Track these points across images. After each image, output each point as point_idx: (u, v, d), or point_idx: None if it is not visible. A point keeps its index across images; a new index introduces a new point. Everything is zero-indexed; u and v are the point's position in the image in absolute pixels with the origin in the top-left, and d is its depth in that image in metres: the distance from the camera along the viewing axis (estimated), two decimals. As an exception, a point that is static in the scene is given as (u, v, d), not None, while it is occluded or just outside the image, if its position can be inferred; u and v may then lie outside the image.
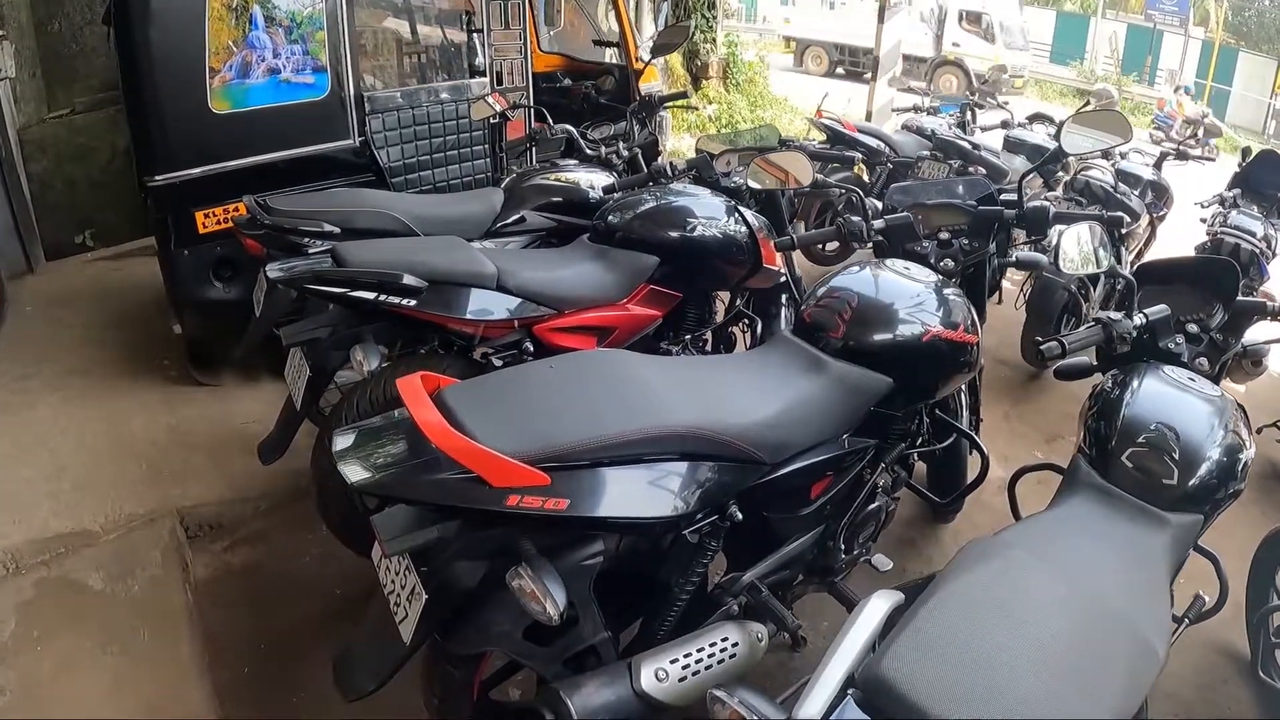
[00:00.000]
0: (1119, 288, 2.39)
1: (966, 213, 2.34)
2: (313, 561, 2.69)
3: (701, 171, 2.87)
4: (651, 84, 4.17)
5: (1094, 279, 4.00)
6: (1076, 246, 2.14)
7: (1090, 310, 4.13)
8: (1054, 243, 2.18)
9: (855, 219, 2.32)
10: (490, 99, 3.49)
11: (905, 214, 2.27)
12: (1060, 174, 4.30)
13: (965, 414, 2.68)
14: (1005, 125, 5.02)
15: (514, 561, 1.41)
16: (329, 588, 2.60)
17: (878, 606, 1.33)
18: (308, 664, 2.32)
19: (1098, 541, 1.60)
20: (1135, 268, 2.25)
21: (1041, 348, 1.92)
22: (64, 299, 4.21)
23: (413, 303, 2.09)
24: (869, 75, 8.57)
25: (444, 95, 3.76)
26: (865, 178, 4.86)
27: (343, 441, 1.40)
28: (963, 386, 2.60)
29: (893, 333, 1.95)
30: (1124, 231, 4.02)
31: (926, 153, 4.61)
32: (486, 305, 2.21)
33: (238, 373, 3.49)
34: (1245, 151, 4.45)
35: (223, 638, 2.42)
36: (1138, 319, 2.00)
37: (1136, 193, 4.32)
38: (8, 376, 3.45)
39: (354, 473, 1.33)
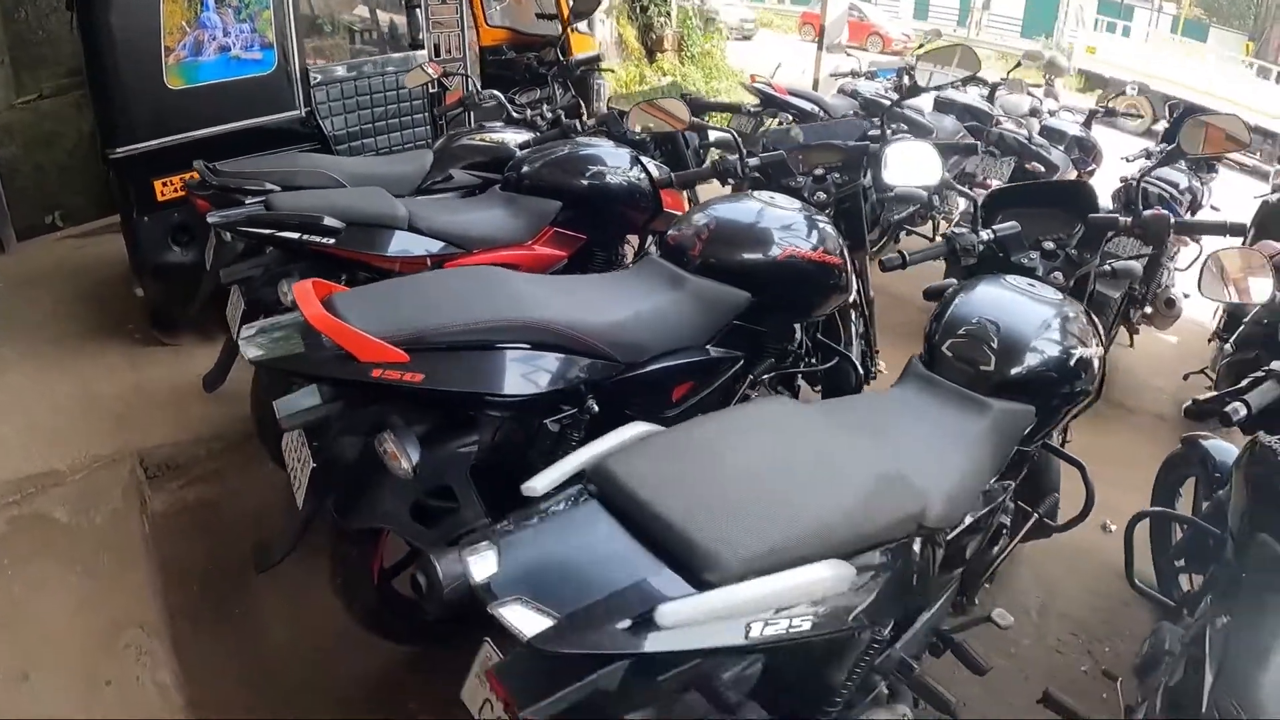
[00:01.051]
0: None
1: (841, 150, 2.68)
2: (260, 494, 3.02)
3: (610, 127, 3.25)
4: (588, 53, 4.56)
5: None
6: (903, 160, 2.41)
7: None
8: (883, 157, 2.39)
9: (731, 157, 2.56)
10: (426, 67, 3.88)
11: (780, 151, 2.51)
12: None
13: (855, 341, 2.96)
14: (938, 87, 5.34)
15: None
16: (274, 517, 2.87)
17: (633, 429, 1.49)
18: (253, 584, 2.64)
19: (901, 417, 1.77)
20: (984, 196, 2.55)
21: (882, 259, 2.12)
22: (35, 276, 4.56)
23: (332, 241, 2.45)
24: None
25: (385, 67, 4.16)
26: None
27: (248, 332, 1.77)
28: (851, 313, 2.91)
29: (748, 251, 2.27)
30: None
31: (852, 113, 4.90)
32: (402, 245, 2.56)
33: (196, 332, 3.86)
34: (1174, 108, 4.78)
35: (177, 562, 2.77)
36: (985, 234, 2.21)
37: (1061, 148, 4.66)
38: (-15, 348, 3.83)
39: (251, 351, 1.70)
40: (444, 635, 2.25)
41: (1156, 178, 4.12)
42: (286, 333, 1.77)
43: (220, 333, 3.68)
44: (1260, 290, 1.94)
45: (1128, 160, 4.43)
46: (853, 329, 2.91)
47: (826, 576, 1.17)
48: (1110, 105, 4.87)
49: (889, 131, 2.92)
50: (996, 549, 2.14)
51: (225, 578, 2.74)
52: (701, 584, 1.10)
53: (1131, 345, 4.45)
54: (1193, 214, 4.26)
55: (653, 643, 1.05)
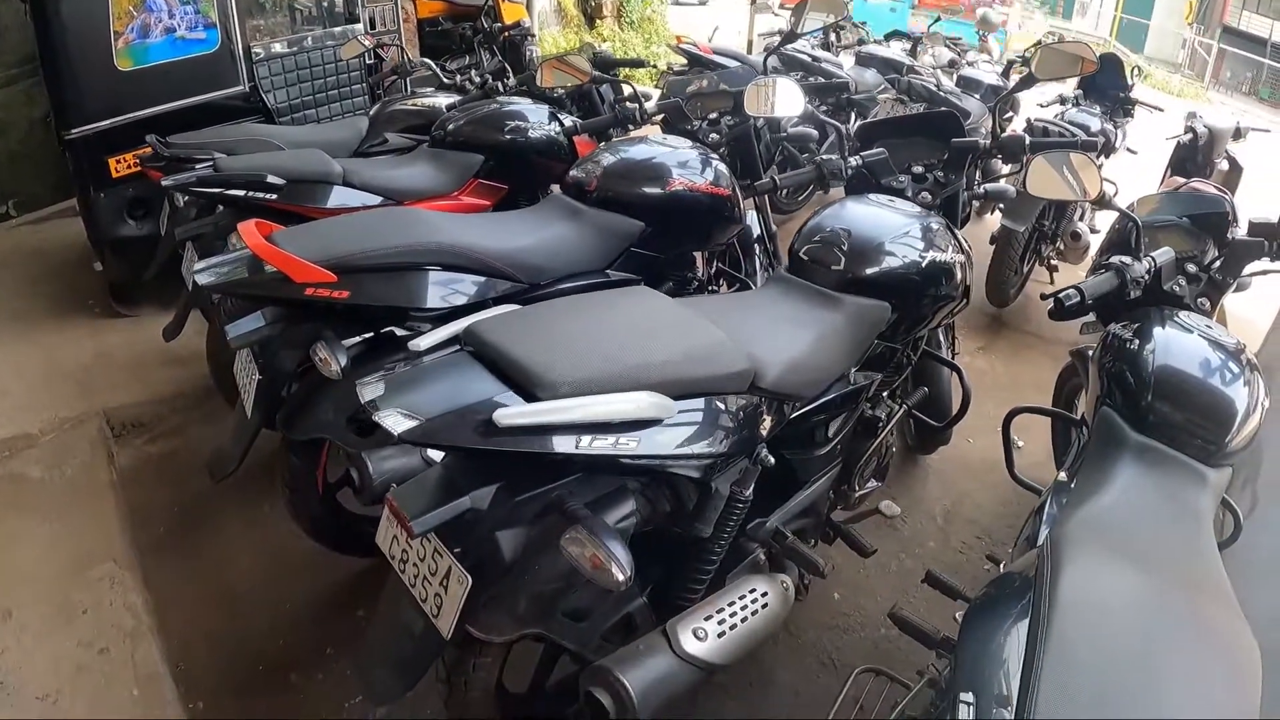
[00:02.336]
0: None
1: (730, 95, 3.06)
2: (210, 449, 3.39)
3: (530, 87, 3.63)
4: (515, 20, 4.94)
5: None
6: (764, 94, 2.75)
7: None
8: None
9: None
10: (360, 38, 4.27)
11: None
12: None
13: (759, 272, 3.33)
14: (861, 43, 5.74)
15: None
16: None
17: (508, 307, 1.88)
18: (214, 524, 3.06)
19: (756, 309, 2.14)
20: (857, 127, 2.92)
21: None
22: (-9, 264, 4.92)
23: (275, 197, 2.81)
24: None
25: (324, 42, 4.54)
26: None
27: (200, 266, 2.14)
28: (755, 247, 3.28)
29: (641, 185, 2.65)
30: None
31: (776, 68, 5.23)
32: (339, 199, 2.92)
33: (153, 303, 4.23)
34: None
35: (143, 508, 3.12)
36: (854, 160, 2.59)
37: (977, 96, 5.03)
38: (-53, 331, 4.16)
39: (204, 279, 2.08)
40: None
41: (1069, 121, 4.50)
42: (233, 264, 2.15)
43: (174, 302, 4.06)
44: (1090, 187, 2.26)
45: (1041, 106, 4.81)
46: (756, 261, 3.28)
47: (644, 404, 1.52)
48: (1027, 56, 5.22)
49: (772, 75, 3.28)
50: (875, 440, 2.47)
51: (190, 517, 3.10)
52: (535, 400, 1.45)
53: (1051, 283, 4.83)
54: (1106, 156, 4.65)
55: (494, 441, 1.39)
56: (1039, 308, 4.80)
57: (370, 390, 1.43)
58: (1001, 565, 2.41)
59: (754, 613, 1.77)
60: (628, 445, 1.52)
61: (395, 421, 1.37)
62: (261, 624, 2.66)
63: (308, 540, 2.67)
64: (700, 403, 1.68)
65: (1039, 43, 5.89)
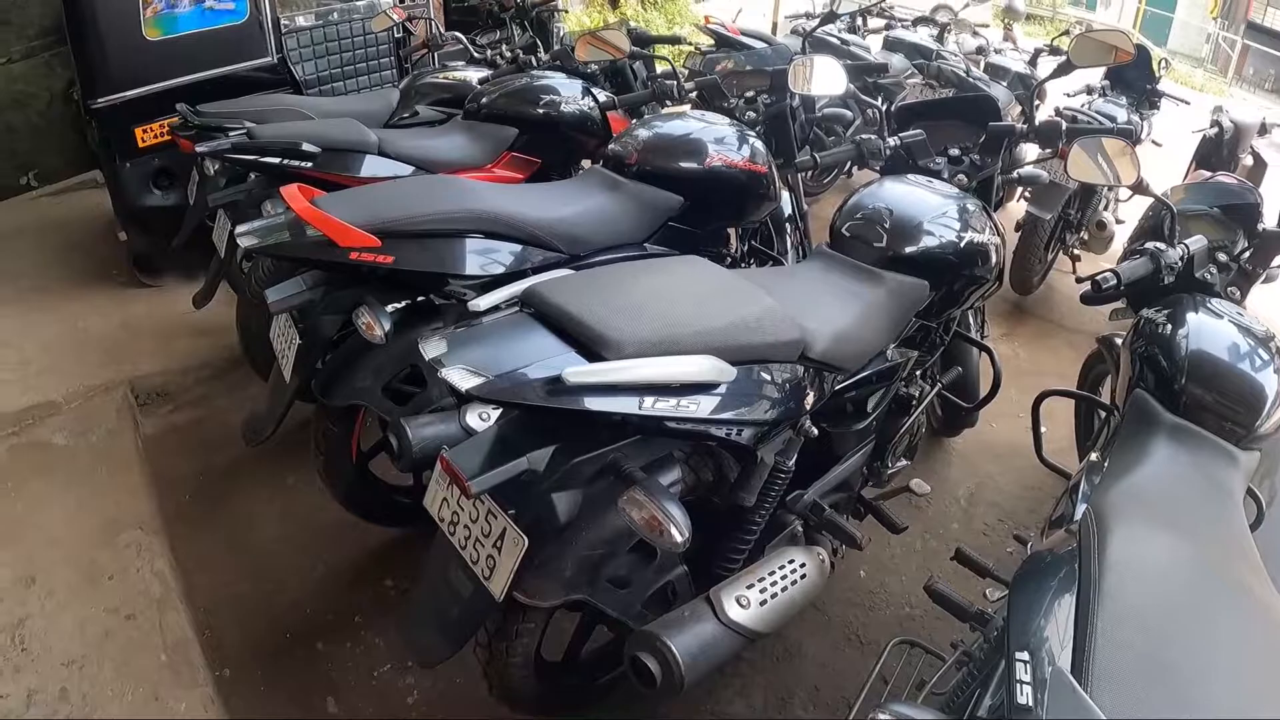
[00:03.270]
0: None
1: (767, 74, 3.07)
2: (245, 414, 3.32)
3: (563, 61, 3.63)
4: (547, -6, 4.96)
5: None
6: (808, 72, 2.76)
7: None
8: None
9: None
10: (390, 12, 4.26)
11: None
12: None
13: (791, 251, 3.35)
14: (889, 27, 5.73)
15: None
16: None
17: (564, 271, 1.94)
18: (240, 492, 3.07)
19: (802, 281, 2.16)
20: (895, 110, 2.93)
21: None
22: (13, 233, 4.86)
23: (310, 165, 2.81)
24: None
25: (352, 14, 4.53)
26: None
27: (245, 228, 2.14)
28: (786, 226, 3.28)
29: (680, 159, 2.65)
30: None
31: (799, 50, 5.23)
32: (373, 168, 2.91)
33: (178, 273, 4.24)
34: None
35: (167, 475, 3.13)
36: (892, 140, 2.62)
37: (1004, 83, 5.01)
38: (-32, 301, 4.17)
39: (247, 241, 2.08)
40: (414, 517, 2.66)
41: (1096, 111, 4.49)
42: (275, 227, 2.15)
43: (199, 272, 4.07)
44: (1127, 173, 2.28)
45: (1068, 95, 4.80)
46: (787, 239, 3.29)
47: (707, 367, 1.53)
48: (1055, 44, 5.21)
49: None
50: (909, 418, 2.48)
51: (216, 485, 3.12)
52: (601, 360, 1.46)
53: (1074, 271, 4.80)
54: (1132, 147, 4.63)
55: (561, 400, 1.40)
56: (1062, 296, 4.85)
57: (433, 347, 1.44)
58: (1029, 546, 2.43)
59: (793, 583, 1.80)
60: (688, 408, 1.53)
61: (461, 377, 1.38)
62: (289, 592, 2.68)
63: (335, 509, 2.68)
64: (754, 369, 1.69)
65: (1066, 31, 5.90)
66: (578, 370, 1.39)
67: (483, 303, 1.73)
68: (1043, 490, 3.28)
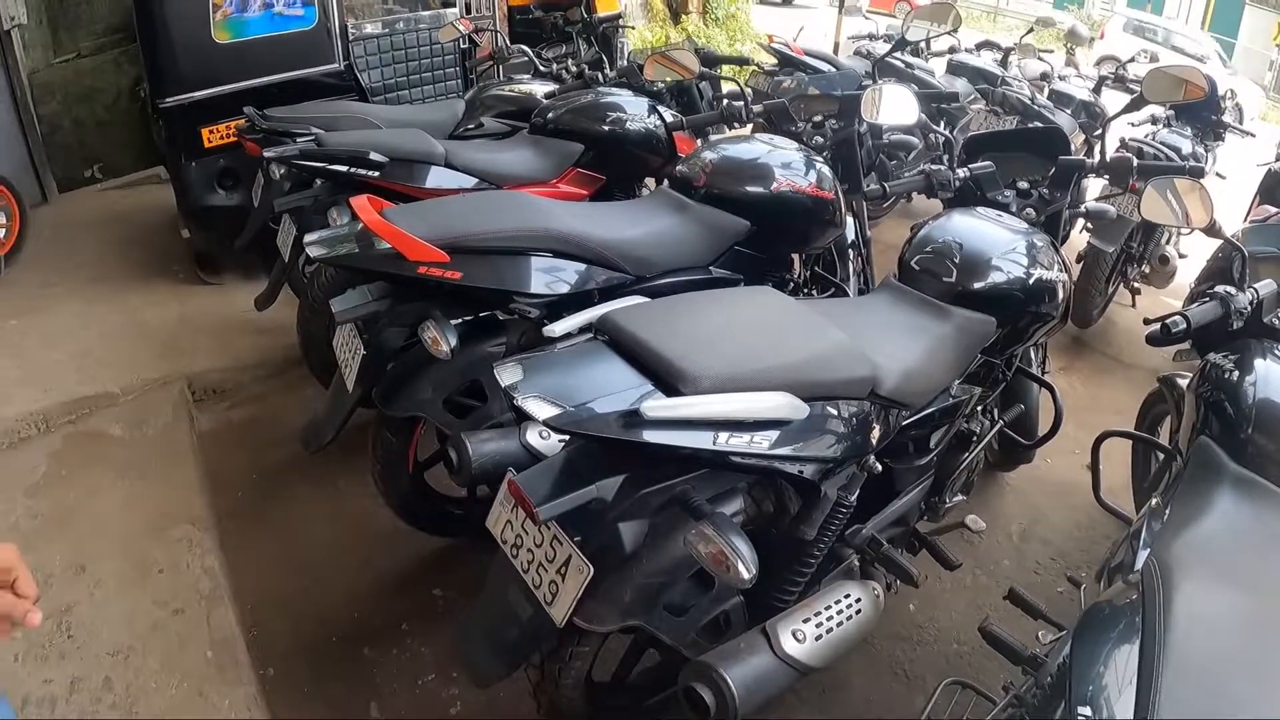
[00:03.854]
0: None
1: (836, 99, 3.05)
2: (300, 415, 3.38)
3: (629, 78, 3.62)
4: (611, 12, 4.96)
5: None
6: (881, 101, 2.75)
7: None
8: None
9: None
10: (457, 23, 4.30)
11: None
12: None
13: (853, 277, 3.31)
14: (952, 51, 5.70)
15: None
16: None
17: (634, 299, 1.89)
18: (293, 493, 3.09)
19: (870, 314, 2.15)
20: (964, 140, 2.90)
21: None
22: (78, 224, 4.99)
23: (377, 174, 2.84)
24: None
25: (419, 24, 4.58)
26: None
27: (313, 237, 2.17)
28: (849, 252, 3.25)
29: (748, 183, 2.63)
30: None
31: (864, 72, 5.20)
32: (439, 180, 2.94)
33: (237, 272, 4.31)
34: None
35: (222, 473, 3.16)
36: (961, 172, 2.59)
37: (1068, 111, 4.97)
38: (34, 285, 4.23)
39: (315, 251, 2.11)
40: (466, 528, 2.69)
41: (1160, 142, 4.40)
42: (343, 237, 2.17)
43: (259, 273, 4.13)
44: (1199, 215, 2.24)
45: (1133, 125, 4.73)
46: (849, 266, 3.26)
47: (782, 404, 1.52)
48: (1120, 72, 5.15)
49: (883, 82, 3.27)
50: (968, 454, 2.45)
51: (269, 485, 3.14)
52: (678, 395, 1.45)
53: (1133, 305, 4.76)
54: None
55: (638, 434, 1.39)
56: (1121, 330, 4.78)
57: (509, 374, 1.44)
58: (1082, 589, 2.40)
59: (849, 618, 1.75)
60: (760, 444, 1.52)
61: (538, 408, 1.37)
62: (336, 596, 2.68)
63: (386, 515, 2.69)
64: (825, 406, 1.67)
65: (1133, 58, 5.82)
66: (656, 405, 1.38)
67: (557, 329, 1.73)
68: (1096, 530, 3.23)
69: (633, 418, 1.38)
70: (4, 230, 4.45)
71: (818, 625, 1.68)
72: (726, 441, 1.47)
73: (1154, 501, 2.14)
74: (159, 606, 2.53)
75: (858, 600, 1.80)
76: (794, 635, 1.62)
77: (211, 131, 3.99)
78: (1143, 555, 1.90)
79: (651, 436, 1.40)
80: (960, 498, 2.61)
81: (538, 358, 1.53)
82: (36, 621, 1.13)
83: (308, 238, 2.17)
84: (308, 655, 2.50)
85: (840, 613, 1.75)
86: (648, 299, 1.87)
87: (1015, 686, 1.99)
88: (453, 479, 1.81)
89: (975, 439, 2.47)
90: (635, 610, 1.62)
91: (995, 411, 2.66)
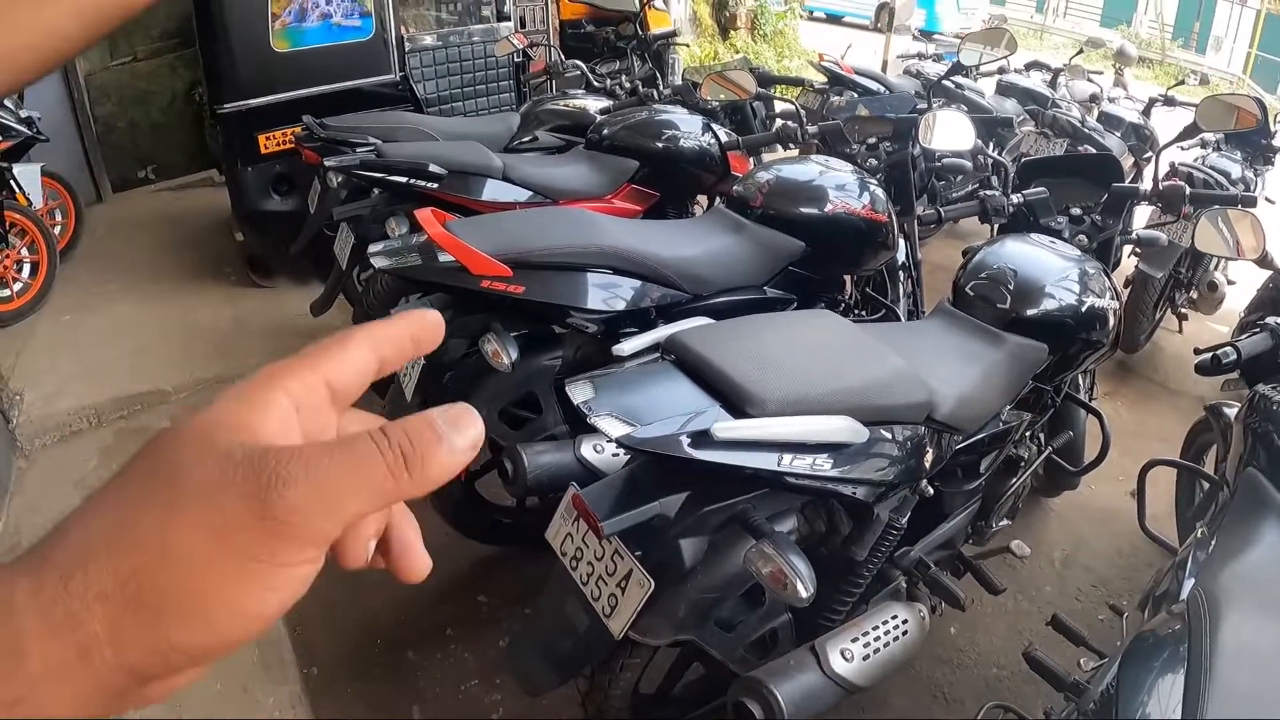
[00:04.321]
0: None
1: (891, 121, 3.07)
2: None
3: (684, 96, 3.67)
4: (662, 28, 5.01)
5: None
6: (938, 126, 2.77)
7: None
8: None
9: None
10: (512, 38, 4.37)
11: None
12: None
13: (903, 299, 3.30)
14: (1001, 71, 5.67)
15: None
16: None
17: (700, 320, 1.96)
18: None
19: (925, 339, 2.17)
20: (1019, 164, 2.91)
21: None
22: (132, 224, 5.11)
23: (435, 186, 2.89)
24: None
25: (474, 37, 4.66)
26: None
27: (375, 249, 2.22)
28: (900, 274, 3.25)
29: (803, 205, 2.66)
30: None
31: (914, 92, 5.17)
32: (495, 193, 2.99)
33: (289, 277, 4.40)
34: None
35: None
36: (1015, 197, 2.60)
37: (1118, 134, 4.95)
38: (88, 283, 4.34)
39: (380, 262, 2.16)
40: (514, 538, 2.73)
41: (1210, 167, 4.37)
42: (408, 250, 2.22)
43: (310, 278, 4.21)
44: (1251, 246, 2.26)
45: (1182, 149, 4.70)
46: (900, 288, 3.27)
47: (844, 427, 1.54)
48: (1170, 94, 5.12)
49: (937, 105, 3.29)
50: (1016, 480, 2.46)
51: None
52: (745, 416, 1.48)
53: (1180, 331, 4.73)
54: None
55: (707, 454, 1.42)
56: (1168, 356, 4.75)
57: (581, 392, 1.47)
58: (1124, 617, 2.40)
59: (895, 639, 1.78)
60: (821, 467, 1.55)
61: (611, 425, 1.41)
62: (382, 599, 2.72)
63: (434, 521, 2.70)
64: (883, 430, 1.69)
65: (1182, 80, 5.79)
66: (726, 426, 1.41)
67: (627, 348, 1.77)
68: (1138, 558, 3.21)
69: (702, 438, 1.41)
70: (60, 227, 4.57)
71: (865, 645, 1.71)
72: (790, 463, 1.50)
73: (1200, 531, 2.14)
74: (205, 604, 2.59)
75: (905, 621, 1.82)
76: (842, 654, 1.65)
77: (268, 138, 4.07)
78: (1188, 585, 1.91)
79: (719, 457, 1.42)
80: (1006, 522, 2.62)
81: (608, 376, 1.57)
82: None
83: (372, 248, 2.22)
84: (352, 657, 2.55)
85: (887, 633, 1.77)
86: (711, 319, 1.90)
87: (1056, 712, 2.01)
88: (506, 489, 1.85)
89: (1023, 465, 2.47)
90: (689, 625, 1.64)
91: (1043, 437, 2.66)
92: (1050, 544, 3.28)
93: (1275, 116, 5.19)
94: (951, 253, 2.58)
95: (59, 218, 4.60)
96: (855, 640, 1.70)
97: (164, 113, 5.77)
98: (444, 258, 2.13)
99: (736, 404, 1.49)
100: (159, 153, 5.79)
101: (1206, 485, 2.65)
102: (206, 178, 5.59)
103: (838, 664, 1.63)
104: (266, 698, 2.35)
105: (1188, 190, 2.60)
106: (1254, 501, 1.93)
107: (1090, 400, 2.99)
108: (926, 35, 6.81)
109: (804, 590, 1.47)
